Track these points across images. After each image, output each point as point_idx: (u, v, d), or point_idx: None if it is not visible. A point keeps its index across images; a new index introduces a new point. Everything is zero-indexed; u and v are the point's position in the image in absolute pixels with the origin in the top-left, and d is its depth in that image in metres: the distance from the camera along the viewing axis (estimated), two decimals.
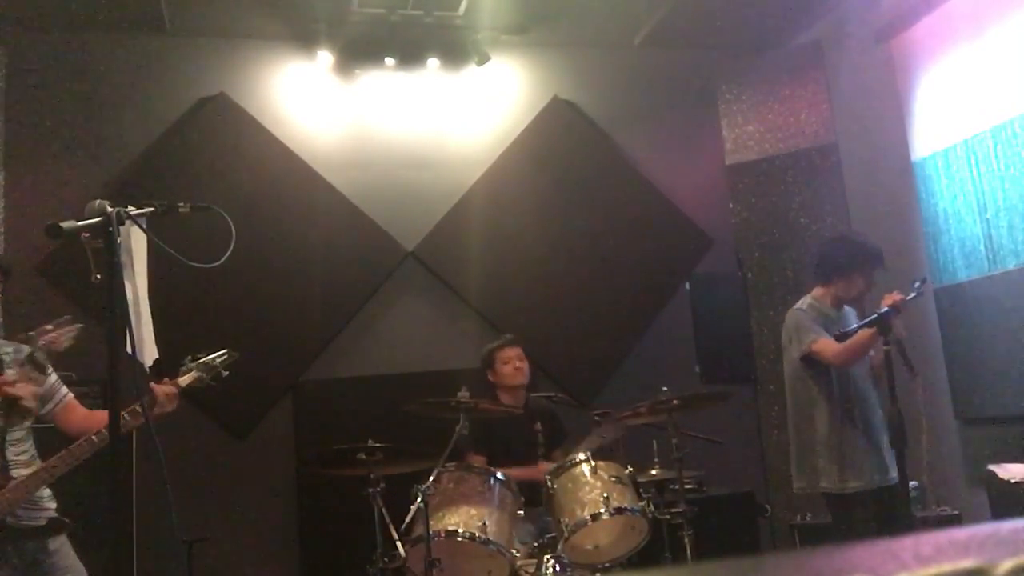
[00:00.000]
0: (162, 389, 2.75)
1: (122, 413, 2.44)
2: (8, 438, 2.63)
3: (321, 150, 5.12)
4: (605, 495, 3.29)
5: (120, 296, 2.02)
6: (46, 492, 2.70)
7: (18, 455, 2.67)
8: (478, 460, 3.82)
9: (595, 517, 3.25)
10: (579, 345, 5.27)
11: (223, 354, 2.96)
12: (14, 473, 2.60)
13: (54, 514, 2.72)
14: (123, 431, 2.58)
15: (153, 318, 2.63)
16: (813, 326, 3.37)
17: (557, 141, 5.46)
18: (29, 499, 2.61)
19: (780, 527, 5.13)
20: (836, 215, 5.46)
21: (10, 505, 2.54)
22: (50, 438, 2.79)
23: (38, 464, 2.69)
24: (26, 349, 2.70)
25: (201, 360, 2.90)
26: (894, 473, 3.21)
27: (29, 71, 4.68)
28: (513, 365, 4.04)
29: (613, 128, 5.61)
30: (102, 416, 2.30)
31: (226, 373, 2.93)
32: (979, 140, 4.48)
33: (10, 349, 2.78)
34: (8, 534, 2.56)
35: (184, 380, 2.84)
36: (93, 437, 2.60)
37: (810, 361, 3.38)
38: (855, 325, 3.10)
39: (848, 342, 3.12)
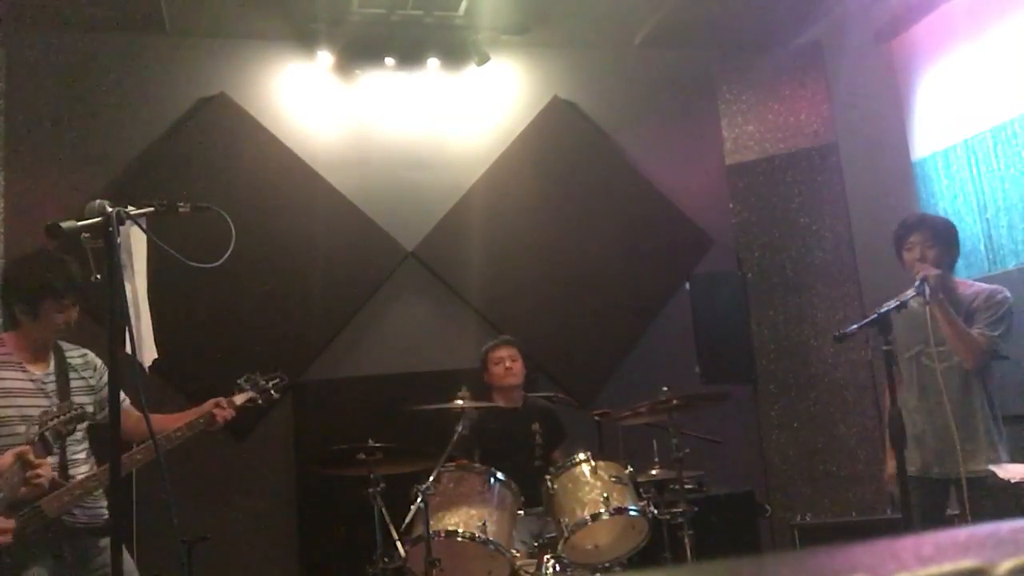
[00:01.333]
0: (221, 413, 2.87)
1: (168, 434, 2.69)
2: (68, 438, 2.68)
3: (321, 150, 5.11)
4: (605, 495, 3.29)
5: (120, 296, 2.03)
6: (98, 492, 2.77)
7: (76, 454, 2.75)
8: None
9: (595, 517, 3.25)
10: (579, 345, 5.27)
11: (275, 377, 3.10)
12: (73, 472, 2.67)
13: (106, 512, 2.79)
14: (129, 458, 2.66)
15: (153, 318, 2.64)
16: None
17: (557, 141, 5.45)
18: (85, 498, 2.67)
19: (780, 527, 5.14)
20: (836, 215, 5.46)
21: (69, 503, 2.60)
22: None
23: (93, 462, 2.79)
24: (91, 355, 2.90)
25: (255, 381, 3.00)
26: (976, 466, 3.13)
27: (29, 71, 4.68)
28: (504, 365, 4.04)
29: (613, 128, 5.61)
30: (156, 419, 2.38)
31: (277, 396, 3.04)
32: (979, 140, 4.49)
33: (76, 354, 2.88)
34: (65, 532, 2.62)
35: (239, 399, 2.95)
36: (152, 444, 2.65)
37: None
38: (854, 326, 3.11)
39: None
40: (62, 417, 2.60)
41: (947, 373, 3.17)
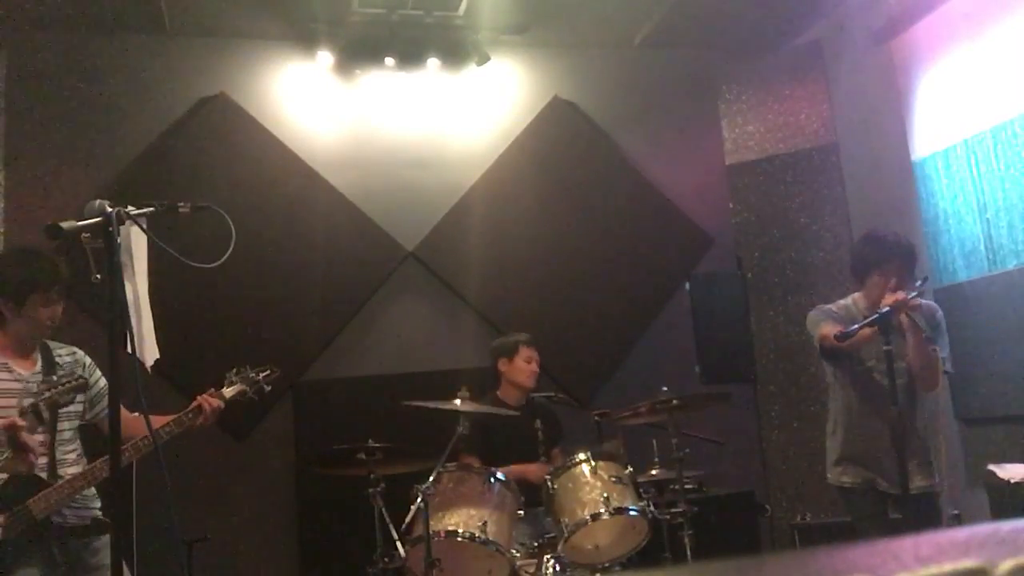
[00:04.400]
0: (209, 402, 2.82)
1: (158, 430, 2.58)
2: (57, 438, 2.66)
3: (321, 150, 5.11)
4: (605, 495, 3.29)
5: (120, 296, 2.03)
6: (91, 491, 2.73)
7: (67, 454, 2.71)
8: (471, 461, 3.81)
9: (595, 517, 3.25)
10: (579, 345, 5.27)
11: (266, 369, 3.06)
12: (62, 472, 2.64)
13: (99, 514, 2.75)
14: (122, 455, 2.63)
15: (154, 318, 2.63)
16: (821, 317, 3.34)
17: (557, 141, 5.46)
18: (75, 498, 2.64)
19: (780, 527, 5.14)
20: (836, 215, 5.47)
21: (57, 504, 2.57)
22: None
23: (84, 463, 2.74)
24: (80, 353, 2.85)
25: (246, 374, 2.98)
26: (920, 482, 3.17)
27: (29, 71, 4.68)
28: (534, 364, 4.08)
29: (613, 128, 5.61)
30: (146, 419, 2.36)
31: (268, 388, 3.01)
32: (979, 140, 4.48)
33: (64, 352, 2.84)
34: (54, 532, 2.59)
35: (229, 392, 2.91)
36: (139, 443, 2.65)
37: (823, 352, 3.36)
38: (856, 325, 3.10)
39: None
40: (61, 387, 2.54)
41: (900, 389, 3.13)
